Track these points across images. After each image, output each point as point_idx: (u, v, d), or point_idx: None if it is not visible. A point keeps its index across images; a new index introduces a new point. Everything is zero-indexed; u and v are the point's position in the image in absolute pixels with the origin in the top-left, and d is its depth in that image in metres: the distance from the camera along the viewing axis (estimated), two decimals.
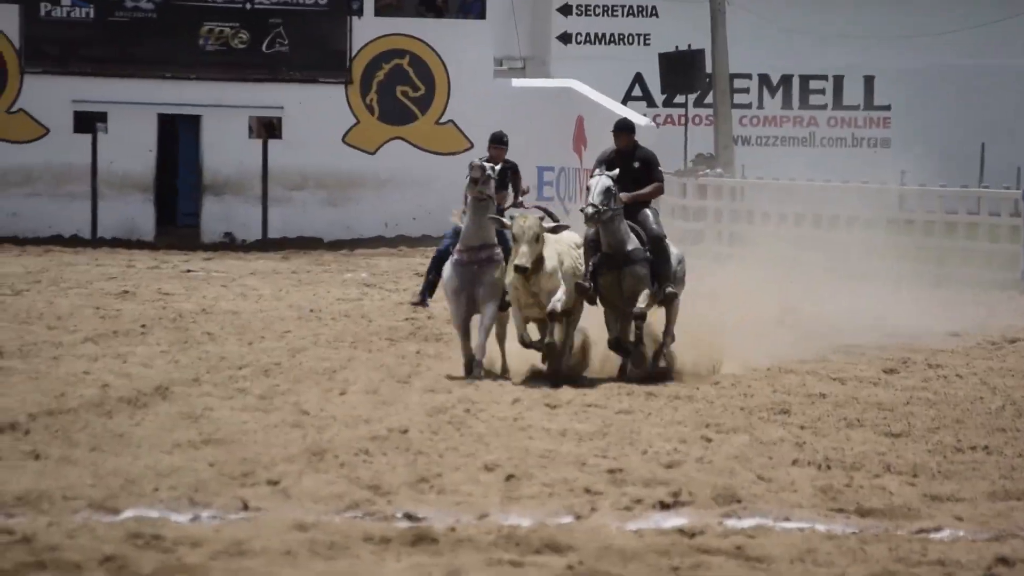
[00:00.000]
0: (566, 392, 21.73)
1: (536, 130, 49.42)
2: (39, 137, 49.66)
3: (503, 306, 23.41)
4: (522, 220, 22.64)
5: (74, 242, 48.41)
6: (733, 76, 51.65)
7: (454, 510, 15.03)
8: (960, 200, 40.25)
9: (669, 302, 23.48)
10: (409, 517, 14.72)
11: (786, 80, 55.47)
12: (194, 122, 49.57)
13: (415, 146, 50.37)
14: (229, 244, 48.47)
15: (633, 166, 23.83)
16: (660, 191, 24.11)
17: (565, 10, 54.92)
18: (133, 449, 17.79)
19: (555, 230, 23.05)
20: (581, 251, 23.38)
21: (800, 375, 23.78)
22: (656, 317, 23.80)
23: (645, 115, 50.11)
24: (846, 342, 26.87)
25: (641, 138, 46.95)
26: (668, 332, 23.70)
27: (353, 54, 50.75)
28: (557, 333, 23.08)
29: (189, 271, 41.60)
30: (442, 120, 50.54)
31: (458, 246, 23.47)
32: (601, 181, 22.86)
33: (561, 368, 23.08)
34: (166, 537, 13.87)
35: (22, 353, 25.39)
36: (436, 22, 51.29)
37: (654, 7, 54.63)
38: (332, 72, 50.50)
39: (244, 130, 49.21)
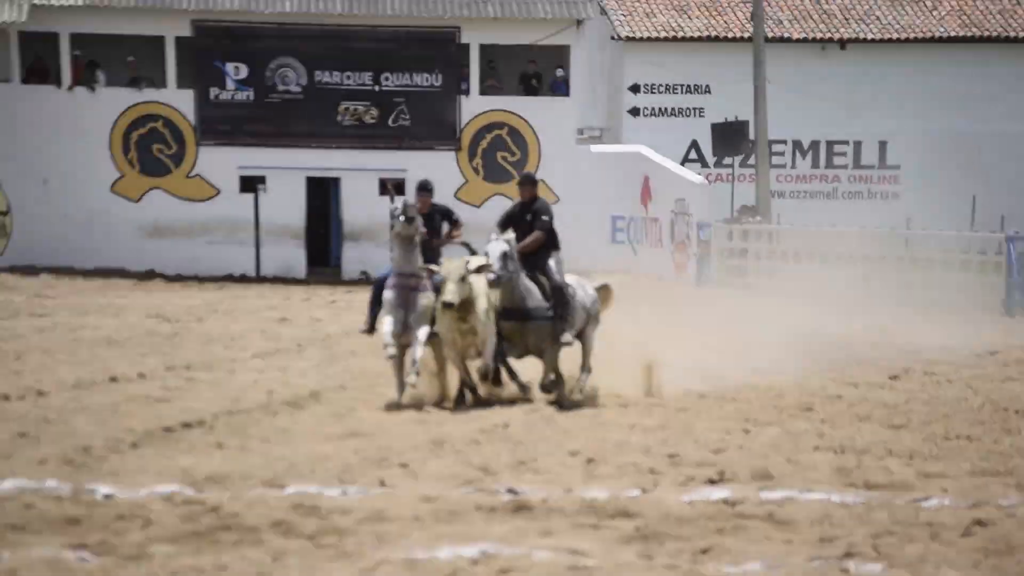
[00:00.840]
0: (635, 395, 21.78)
1: (610, 187, 49.73)
2: (212, 197, 50.06)
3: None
4: (448, 263, 20.78)
5: (242, 280, 48.58)
6: (771, 142, 51.50)
7: (546, 486, 15.24)
8: (955, 241, 40.21)
9: (572, 344, 21.21)
10: (511, 492, 14.91)
11: (815, 145, 55.46)
12: (335, 183, 49.84)
13: (512, 200, 50.34)
14: (365, 280, 48.38)
15: (527, 218, 21.73)
16: (539, 240, 21.39)
17: (635, 89, 54.96)
18: (294, 440, 18.14)
19: (480, 270, 20.74)
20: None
21: (822, 380, 23.84)
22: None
23: (699, 174, 50.24)
24: (859, 354, 26.99)
25: (695, 193, 47.67)
26: (584, 367, 21.67)
27: (462, 126, 50.88)
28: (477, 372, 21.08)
29: (334, 302, 41.67)
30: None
31: (392, 274, 21.39)
32: (497, 247, 20.79)
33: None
34: (322, 507, 14.18)
35: (206, 367, 25.76)
36: (530, 100, 51.23)
37: (707, 85, 54.65)
38: (445, 141, 50.61)
39: (375, 189, 49.16)
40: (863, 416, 20.46)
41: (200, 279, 48.08)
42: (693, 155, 54.12)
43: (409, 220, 21.14)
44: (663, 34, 55.71)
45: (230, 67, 50.45)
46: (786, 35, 55.26)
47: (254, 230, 50.12)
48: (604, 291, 22.26)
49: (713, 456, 17.14)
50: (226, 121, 50.33)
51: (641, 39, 55.58)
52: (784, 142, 54.78)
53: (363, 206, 49.41)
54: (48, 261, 48.17)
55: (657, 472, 16.20)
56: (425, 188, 22.83)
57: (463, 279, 20.45)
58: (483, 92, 51.38)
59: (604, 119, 54.66)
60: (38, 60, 50.15)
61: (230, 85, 50.42)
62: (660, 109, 55.11)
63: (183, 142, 50.18)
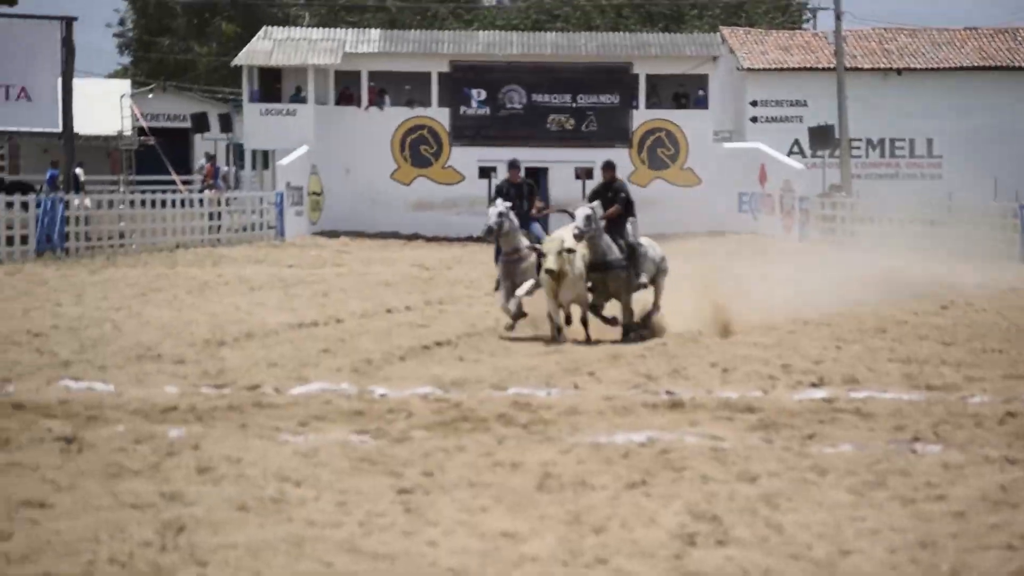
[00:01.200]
0: (754, 322, 21.20)
1: (737, 172, 49.62)
2: (459, 181, 50.14)
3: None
4: (548, 242, 19.22)
5: (478, 240, 48.50)
6: (851, 139, 50.81)
7: (693, 389, 14.89)
8: (984, 209, 39.44)
9: (647, 286, 19.90)
10: (668, 393, 14.58)
11: (881, 141, 54.81)
12: (544, 172, 49.74)
13: (668, 182, 50.18)
14: None
15: (608, 195, 19.97)
16: (619, 211, 19.76)
17: (753, 103, 54.40)
18: (512, 355, 17.87)
19: (570, 251, 19.01)
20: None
21: (891, 310, 23.05)
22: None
23: (800, 163, 49.79)
24: (918, 290, 26.22)
25: (797, 176, 47.34)
26: (656, 304, 20.14)
27: (633, 130, 50.53)
28: (577, 314, 19.63)
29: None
30: (684, 167, 50.29)
31: (501, 254, 20.32)
32: (583, 211, 19.28)
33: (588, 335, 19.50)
34: (532, 404, 13.90)
35: (452, 301, 25.61)
36: (680, 112, 50.84)
37: (805, 100, 53.85)
38: (621, 141, 50.23)
39: (571, 174, 49.31)
40: (923, 336, 19.85)
41: (449, 239, 48.01)
42: (795, 149, 53.31)
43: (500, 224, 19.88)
44: (773, 66, 55.25)
45: (474, 92, 50.75)
46: (859, 66, 54.57)
47: (487, 204, 49.47)
48: None
49: (814, 366, 16.62)
50: (470, 129, 50.49)
51: (758, 69, 54.98)
52: (860, 139, 53.77)
53: (563, 187, 49.37)
54: (346, 227, 48.33)
55: (774, 378, 15.75)
56: (515, 165, 21.51)
57: (560, 253, 19.09)
58: (648, 107, 50.90)
59: (732, 124, 54.09)
60: (346, 89, 50.75)
61: (474, 104, 50.70)
62: (772, 117, 54.38)
63: (441, 143, 50.40)
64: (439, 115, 50.38)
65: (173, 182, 47.59)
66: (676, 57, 50.71)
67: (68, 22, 38.53)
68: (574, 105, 50.58)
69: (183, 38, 76.64)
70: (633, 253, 19.72)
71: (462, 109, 50.42)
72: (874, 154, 54.96)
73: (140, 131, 52.28)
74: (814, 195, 46.76)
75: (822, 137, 49.67)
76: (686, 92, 51.24)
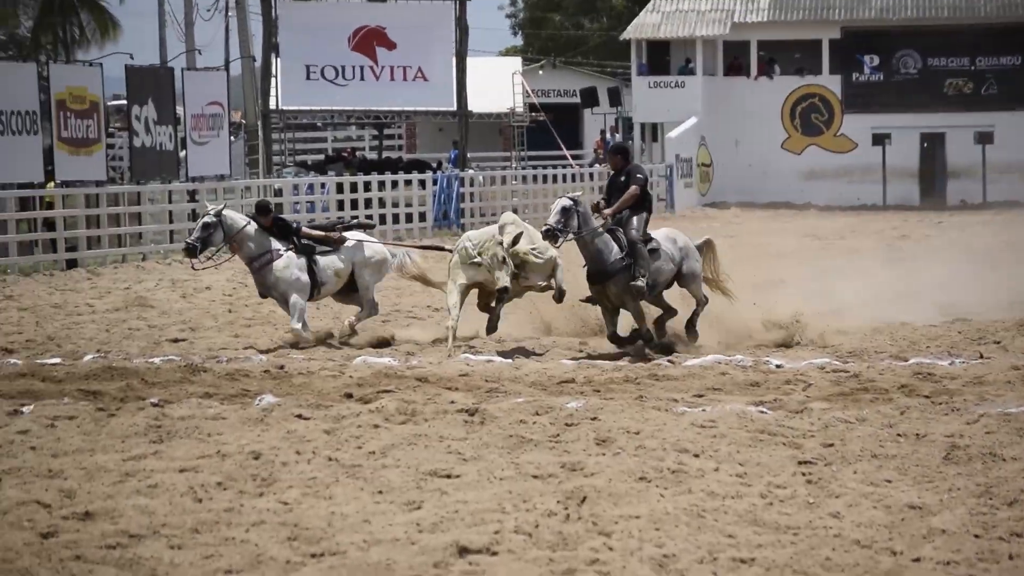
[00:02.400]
0: None
1: None
2: (851, 149, 49.58)
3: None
4: (486, 251, 16.10)
5: (872, 208, 47.56)
6: None
7: None
8: None
9: (644, 292, 15.78)
10: None
11: None
12: (941, 138, 48.71)
13: None
14: (962, 207, 47.19)
15: (620, 180, 16.17)
16: (633, 195, 15.94)
17: None
18: (910, 326, 17.27)
19: (515, 240, 16.07)
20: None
21: None
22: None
23: None
24: None
25: None
26: (699, 302, 16.51)
27: None
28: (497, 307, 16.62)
29: (940, 223, 39.91)
30: None
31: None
32: (560, 202, 15.80)
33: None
34: (935, 374, 13.55)
35: (844, 270, 24.22)
36: None
37: None
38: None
39: (971, 140, 48.04)
40: None
41: (843, 208, 47.24)
42: None
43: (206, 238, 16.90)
44: None
45: (866, 58, 50.20)
46: None
47: (881, 172, 49.18)
48: (707, 245, 17.06)
49: None
50: (863, 96, 49.84)
51: None
52: None
53: (962, 153, 48.39)
54: (735, 198, 48.26)
55: None
56: (265, 209, 17.41)
57: (504, 260, 15.99)
58: None
59: None
60: (735, 59, 50.99)
61: (866, 71, 50.21)
62: None
63: (832, 111, 50.04)
64: (830, 83, 49.95)
65: (564, 157, 48.26)
66: None
67: (462, 2, 39.55)
68: (972, 68, 49.39)
69: (573, 14, 77.66)
70: (634, 251, 15.98)
71: (854, 76, 49.92)
72: None
73: (531, 107, 53.16)
74: None
75: None
76: None
